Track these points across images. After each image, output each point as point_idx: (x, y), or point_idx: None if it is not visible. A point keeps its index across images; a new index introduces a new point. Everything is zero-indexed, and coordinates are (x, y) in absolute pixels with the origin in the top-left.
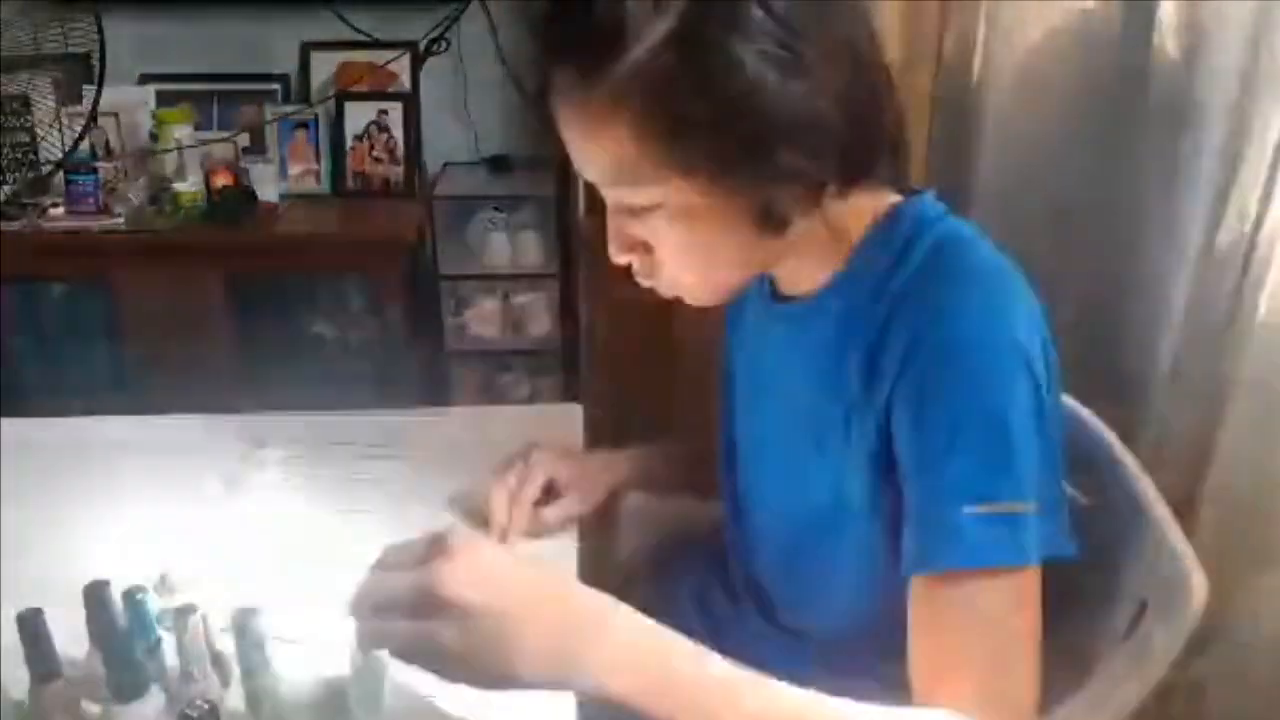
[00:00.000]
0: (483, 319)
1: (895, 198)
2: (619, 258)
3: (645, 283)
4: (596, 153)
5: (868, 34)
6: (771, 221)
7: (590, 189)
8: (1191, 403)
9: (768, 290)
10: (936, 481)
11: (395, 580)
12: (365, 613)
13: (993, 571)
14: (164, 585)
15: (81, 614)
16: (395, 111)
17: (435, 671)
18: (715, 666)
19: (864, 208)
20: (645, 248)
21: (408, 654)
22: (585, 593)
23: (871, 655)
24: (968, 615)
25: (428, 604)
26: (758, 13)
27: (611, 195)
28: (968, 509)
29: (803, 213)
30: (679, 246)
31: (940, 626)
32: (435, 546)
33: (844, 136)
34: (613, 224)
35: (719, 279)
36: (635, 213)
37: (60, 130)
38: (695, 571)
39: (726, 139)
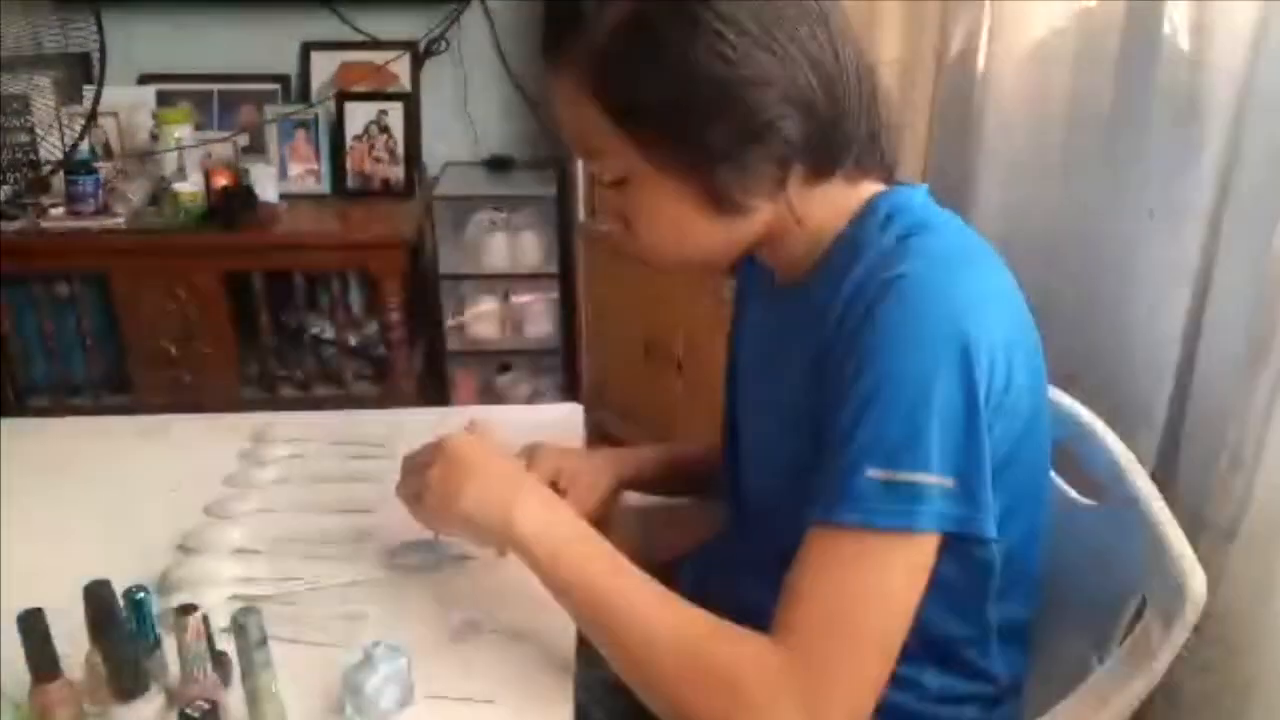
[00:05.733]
0: (483, 319)
1: (878, 189)
2: (608, 225)
3: (631, 252)
4: (569, 125)
5: (831, 40)
6: (726, 204)
7: (590, 189)
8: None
9: (768, 277)
10: (849, 441)
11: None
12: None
13: (881, 534)
14: (164, 585)
15: (81, 614)
16: (395, 111)
17: (418, 513)
18: (587, 546)
19: (845, 202)
20: (624, 218)
21: (412, 496)
22: (524, 475)
23: None
24: (846, 570)
25: (434, 451)
26: (702, 10)
27: (591, 166)
28: (870, 472)
29: (763, 199)
30: (647, 219)
31: (819, 572)
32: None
33: (792, 131)
34: (599, 192)
35: (689, 254)
36: (612, 183)
37: (60, 130)
38: (697, 568)
39: (664, 122)
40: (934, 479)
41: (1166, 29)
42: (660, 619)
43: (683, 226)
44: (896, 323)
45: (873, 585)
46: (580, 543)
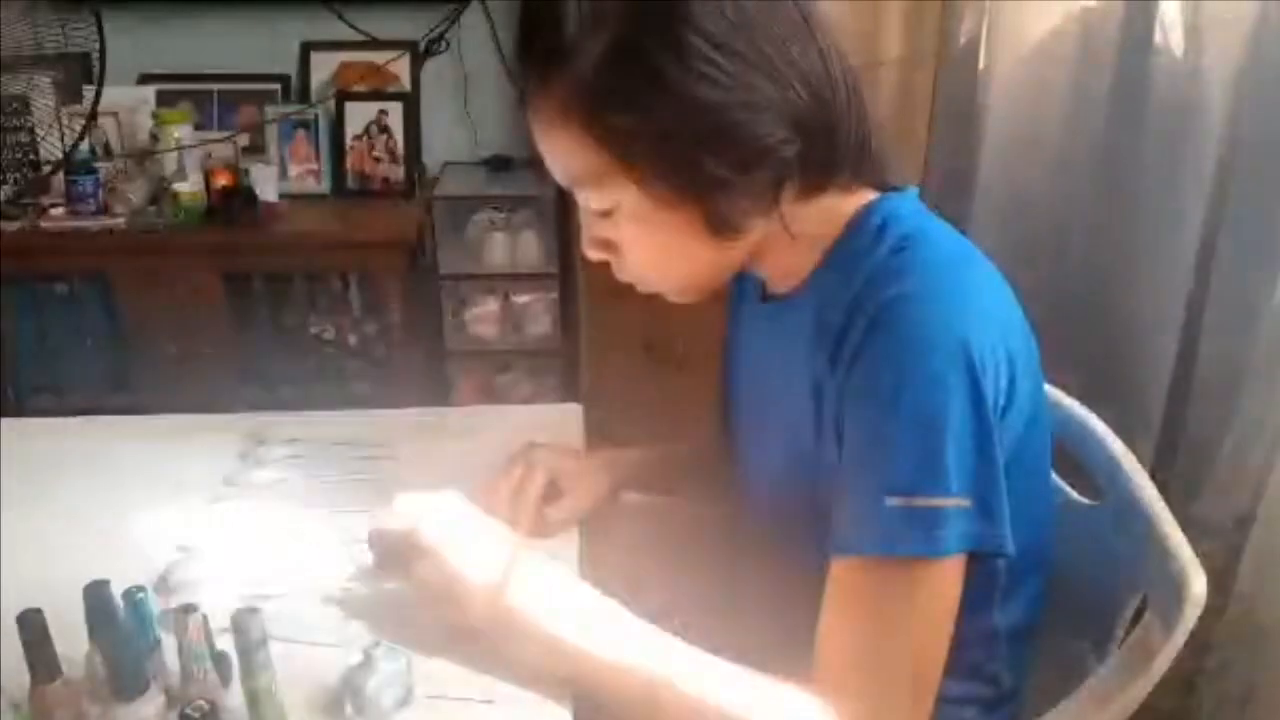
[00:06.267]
0: (483, 319)
1: (873, 196)
2: (590, 254)
3: (621, 278)
4: (553, 156)
5: (820, 52)
6: (723, 228)
7: None
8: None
9: (759, 288)
10: (865, 470)
11: (397, 533)
12: (380, 557)
13: (907, 562)
14: (164, 585)
15: (81, 614)
16: (395, 111)
17: (425, 606)
18: (600, 642)
19: (839, 209)
20: (613, 246)
21: (410, 589)
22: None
23: None
24: (876, 601)
25: (415, 551)
26: (691, 32)
27: (576, 195)
28: (890, 500)
29: (756, 219)
30: (639, 247)
31: (849, 607)
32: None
33: (788, 151)
34: (584, 222)
35: (683, 278)
36: (599, 212)
37: (60, 130)
38: (697, 569)
39: (659, 152)
40: (953, 501)
41: (1162, 29)
42: (701, 688)
43: (676, 252)
44: (900, 345)
45: (906, 613)
46: (593, 618)
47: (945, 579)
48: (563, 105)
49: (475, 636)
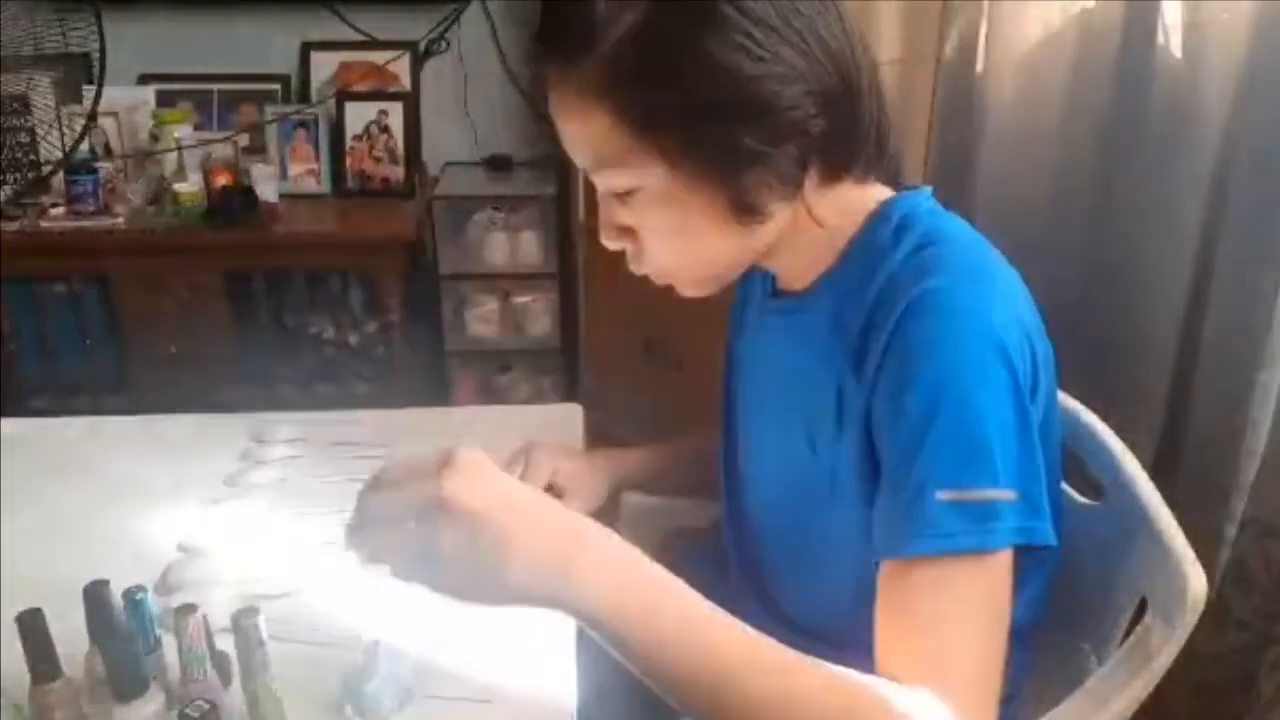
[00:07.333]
0: (483, 319)
1: (888, 194)
2: (609, 243)
3: (636, 269)
4: (578, 136)
5: (844, 32)
6: (747, 211)
7: (590, 189)
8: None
9: (769, 286)
10: (911, 467)
11: (401, 493)
12: (367, 528)
13: (961, 557)
14: (164, 585)
15: (81, 614)
16: (395, 111)
17: (433, 584)
18: (680, 601)
19: (855, 205)
20: (632, 233)
21: (410, 564)
22: (574, 515)
23: (872, 647)
24: (934, 600)
25: (434, 511)
26: (725, 7)
27: (597, 179)
28: (940, 495)
29: (780, 203)
30: (661, 232)
31: (907, 609)
32: (442, 460)
33: (815, 128)
34: (602, 208)
35: (702, 267)
36: (620, 197)
37: (60, 130)
38: (695, 571)
39: (693, 126)
40: (1002, 493)
41: (1162, 30)
42: (781, 683)
43: (697, 238)
44: (935, 337)
45: (968, 610)
46: (650, 599)
47: (999, 572)
48: (591, 84)
49: (486, 612)
